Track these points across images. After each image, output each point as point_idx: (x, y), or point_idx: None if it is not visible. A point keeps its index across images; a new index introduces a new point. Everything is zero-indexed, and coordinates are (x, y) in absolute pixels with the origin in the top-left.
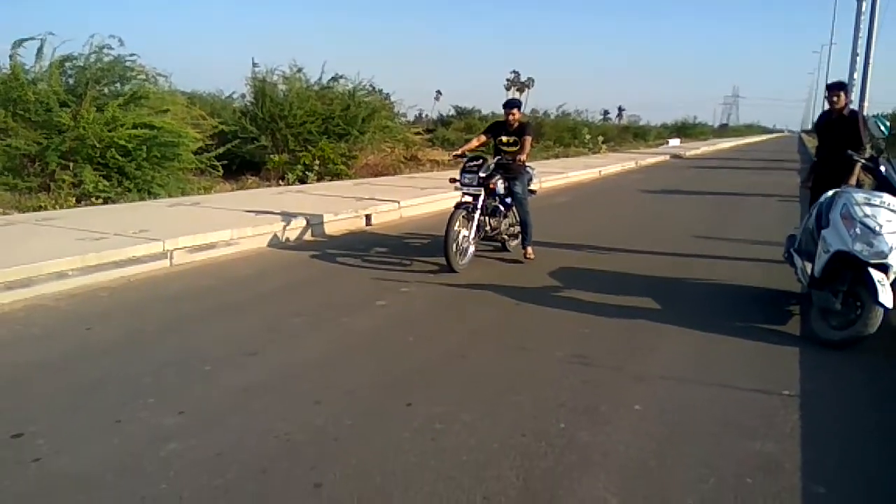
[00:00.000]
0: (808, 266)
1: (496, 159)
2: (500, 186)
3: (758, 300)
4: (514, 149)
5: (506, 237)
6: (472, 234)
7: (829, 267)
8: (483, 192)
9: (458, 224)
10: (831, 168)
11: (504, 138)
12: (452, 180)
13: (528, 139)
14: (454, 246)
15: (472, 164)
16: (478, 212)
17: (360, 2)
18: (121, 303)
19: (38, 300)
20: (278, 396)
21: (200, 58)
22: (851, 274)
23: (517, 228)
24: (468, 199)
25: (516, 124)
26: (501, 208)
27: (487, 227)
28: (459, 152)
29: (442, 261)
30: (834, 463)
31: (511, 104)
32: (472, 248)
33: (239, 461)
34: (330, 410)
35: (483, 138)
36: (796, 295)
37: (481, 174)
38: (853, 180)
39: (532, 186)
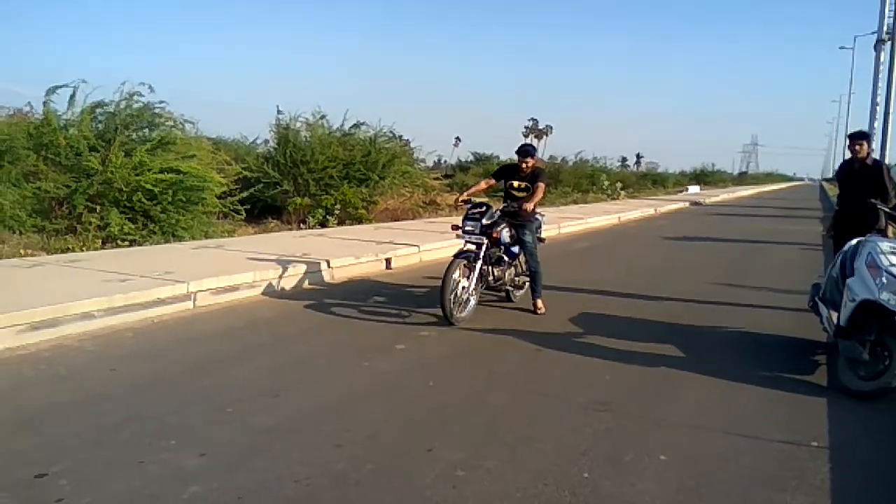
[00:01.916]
0: (834, 315)
1: (503, 206)
2: (506, 235)
3: (783, 349)
4: (526, 194)
5: (510, 288)
6: (473, 285)
7: (855, 316)
8: (486, 241)
9: (457, 273)
10: (854, 217)
11: (516, 183)
12: (454, 227)
13: (542, 186)
14: (452, 297)
15: (474, 210)
16: (479, 261)
17: (383, 50)
18: (145, 344)
19: (63, 340)
20: (300, 439)
21: (226, 104)
22: (878, 323)
23: (523, 279)
24: (471, 247)
25: (530, 170)
26: (506, 258)
27: (490, 278)
28: (465, 197)
29: None
30: None
31: (525, 152)
32: (473, 301)
33: None
34: (351, 454)
35: (492, 181)
36: (822, 344)
37: (484, 221)
38: (889, 231)
39: (541, 234)
